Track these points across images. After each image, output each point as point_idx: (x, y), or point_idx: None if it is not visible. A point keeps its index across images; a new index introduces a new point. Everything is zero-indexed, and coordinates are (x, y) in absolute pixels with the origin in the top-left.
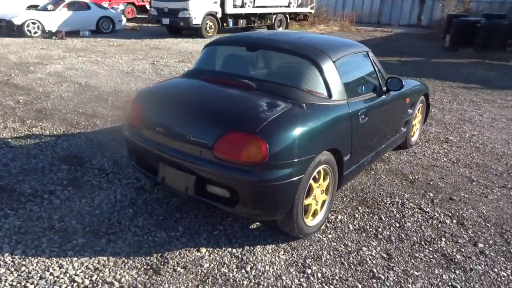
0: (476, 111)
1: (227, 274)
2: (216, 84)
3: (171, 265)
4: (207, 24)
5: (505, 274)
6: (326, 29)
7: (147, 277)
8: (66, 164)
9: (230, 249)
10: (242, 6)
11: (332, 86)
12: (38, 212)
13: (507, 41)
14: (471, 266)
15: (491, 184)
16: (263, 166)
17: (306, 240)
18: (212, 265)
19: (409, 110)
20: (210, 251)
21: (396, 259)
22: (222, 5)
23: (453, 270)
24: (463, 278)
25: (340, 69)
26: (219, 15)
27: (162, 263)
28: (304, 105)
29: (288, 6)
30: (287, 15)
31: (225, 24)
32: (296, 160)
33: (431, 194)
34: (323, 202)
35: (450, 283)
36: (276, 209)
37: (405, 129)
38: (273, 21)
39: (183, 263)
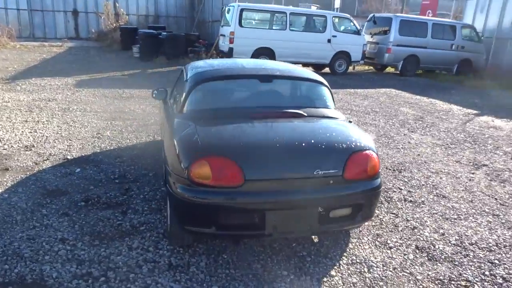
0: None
1: (369, 281)
2: (272, 120)
3: None
4: None
5: None
6: None
7: None
8: None
9: (343, 261)
10: None
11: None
12: None
13: (187, 49)
14: None
15: None
16: (378, 174)
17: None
18: (351, 279)
19: None
20: (337, 271)
21: None
22: None
23: None
24: None
25: None
26: None
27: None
28: (351, 121)
29: None
30: None
31: None
32: None
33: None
34: None
35: None
36: None
37: None
38: None
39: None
